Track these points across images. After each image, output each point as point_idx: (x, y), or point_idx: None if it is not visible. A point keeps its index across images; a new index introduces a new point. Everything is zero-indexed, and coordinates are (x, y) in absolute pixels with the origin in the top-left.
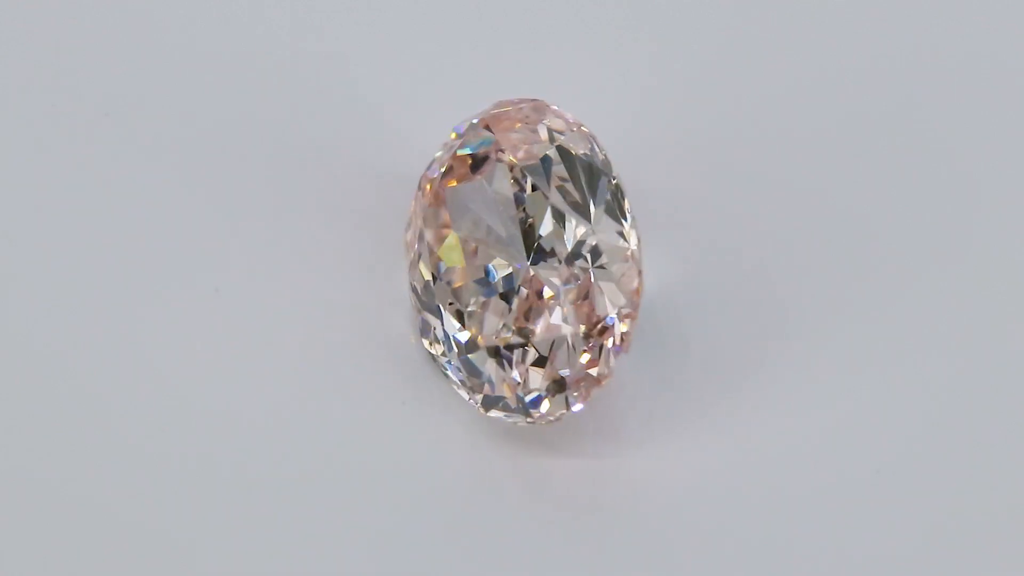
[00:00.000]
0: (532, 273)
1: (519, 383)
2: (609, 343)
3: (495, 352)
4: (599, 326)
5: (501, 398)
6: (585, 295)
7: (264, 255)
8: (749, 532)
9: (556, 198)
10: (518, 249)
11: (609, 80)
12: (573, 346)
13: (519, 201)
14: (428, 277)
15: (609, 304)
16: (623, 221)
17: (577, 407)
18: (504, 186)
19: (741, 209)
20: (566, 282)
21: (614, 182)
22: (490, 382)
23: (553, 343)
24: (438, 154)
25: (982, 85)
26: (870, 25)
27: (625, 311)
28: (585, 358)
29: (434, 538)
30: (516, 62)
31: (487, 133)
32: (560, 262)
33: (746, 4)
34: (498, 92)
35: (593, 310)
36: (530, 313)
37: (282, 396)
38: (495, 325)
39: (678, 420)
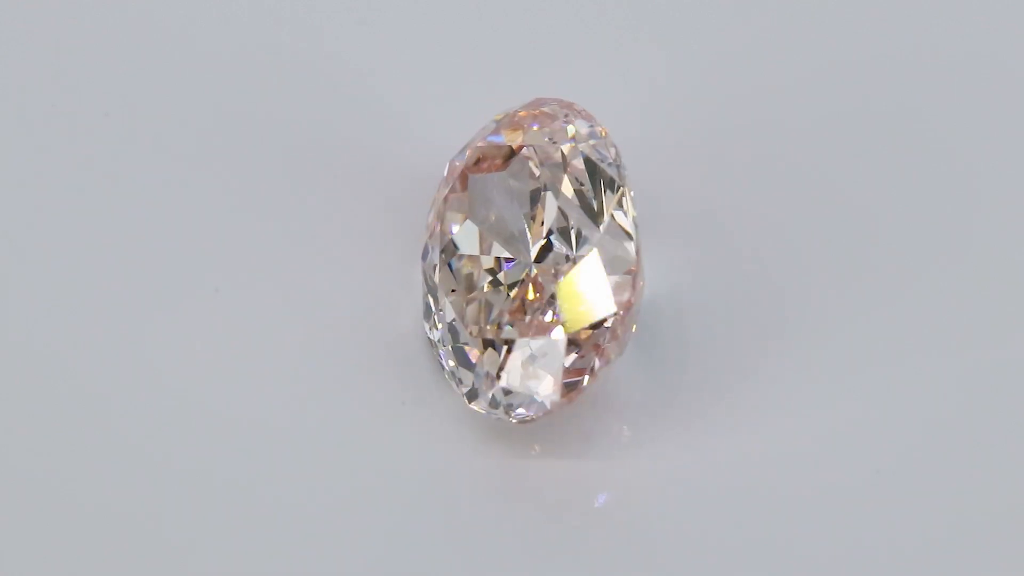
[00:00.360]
0: (534, 272)
1: (504, 378)
2: (596, 350)
3: (487, 344)
4: (590, 332)
5: (485, 392)
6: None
7: (265, 255)
8: (749, 533)
9: (571, 202)
10: (525, 246)
11: (615, 81)
12: (562, 348)
13: (535, 199)
14: (437, 261)
15: (602, 312)
16: (630, 233)
17: (557, 409)
18: (524, 182)
19: (741, 210)
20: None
21: (629, 194)
22: (477, 374)
23: (543, 343)
24: (471, 141)
25: (989, 89)
26: (871, 28)
27: (615, 322)
28: (572, 361)
29: (433, 538)
30: (527, 62)
31: (518, 128)
32: (563, 264)
33: (747, 9)
34: (507, 90)
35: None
36: (526, 310)
37: (282, 396)
38: (491, 317)
39: (677, 420)
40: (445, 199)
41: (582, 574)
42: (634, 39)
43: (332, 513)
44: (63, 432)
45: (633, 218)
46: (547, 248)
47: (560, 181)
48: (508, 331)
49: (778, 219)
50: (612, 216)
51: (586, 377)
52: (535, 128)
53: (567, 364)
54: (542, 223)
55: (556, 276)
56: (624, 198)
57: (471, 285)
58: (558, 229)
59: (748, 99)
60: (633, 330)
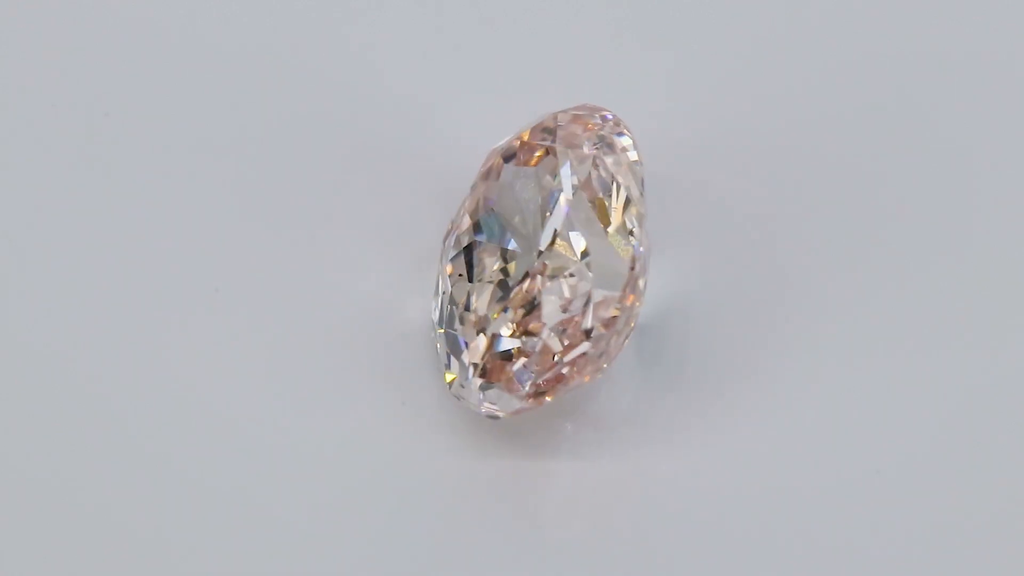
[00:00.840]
0: (534, 271)
1: (484, 370)
2: (579, 361)
3: (477, 333)
4: (573, 338)
5: (466, 380)
6: (572, 307)
7: (266, 255)
8: (749, 533)
9: (587, 210)
10: (533, 244)
11: (627, 86)
12: (541, 350)
13: (555, 200)
14: (453, 243)
15: (591, 322)
16: (634, 252)
17: (525, 411)
18: (548, 185)
19: (740, 213)
20: (561, 290)
21: (644, 213)
22: (463, 362)
23: (526, 343)
24: (518, 132)
25: (1005, 94)
26: (870, 32)
27: (600, 335)
28: (550, 366)
29: (433, 538)
30: (537, 62)
31: (559, 130)
32: (564, 269)
33: (745, 16)
34: (521, 91)
35: (574, 323)
36: (519, 307)
37: (282, 395)
38: (485, 308)
39: (676, 422)
40: (478, 184)
41: (582, 573)
42: (644, 45)
43: (335, 516)
44: (63, 432)
45: (642, 237)
46: (551, 253)
47: (584, 188)
48: (496, 324)
49: (777, 222)
50: (622, 230)
51: (562, 385)
52: (575, 132)
53: (546, 368)
54: (554, 224)
55: (553, 278)
56: (638, 217)
57: (478, 273)
58: (567, 237)
59: (752, 104)
60: (625, 345)
